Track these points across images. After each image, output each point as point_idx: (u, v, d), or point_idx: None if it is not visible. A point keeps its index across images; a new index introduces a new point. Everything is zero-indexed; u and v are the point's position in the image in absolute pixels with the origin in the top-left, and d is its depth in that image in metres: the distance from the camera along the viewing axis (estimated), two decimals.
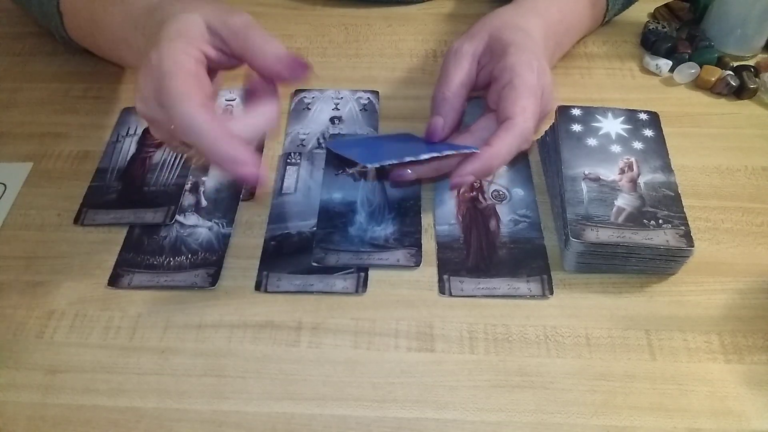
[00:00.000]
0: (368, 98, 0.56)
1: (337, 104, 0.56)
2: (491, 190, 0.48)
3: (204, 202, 0.48)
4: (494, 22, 0.47)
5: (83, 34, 0.52)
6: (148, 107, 0.37)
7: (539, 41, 0.47)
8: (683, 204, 0.43)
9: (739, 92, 0.56)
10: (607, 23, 0.62)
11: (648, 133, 0.47)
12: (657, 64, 0.58)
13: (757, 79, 0.56)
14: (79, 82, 0.58)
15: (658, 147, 0.46)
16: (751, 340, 0.40)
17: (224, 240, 0.45)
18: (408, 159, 0.41)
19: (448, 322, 0.41)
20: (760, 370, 0.39)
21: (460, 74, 0.45)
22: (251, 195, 0.48)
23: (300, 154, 0.51)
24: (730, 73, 0.56)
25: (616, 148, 0.46)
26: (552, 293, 0.42)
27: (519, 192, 0.48)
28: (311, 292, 0.43)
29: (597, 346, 0.40)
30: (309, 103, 0.56)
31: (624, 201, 0.43)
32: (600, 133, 0.47)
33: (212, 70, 0.40)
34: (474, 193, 0.48)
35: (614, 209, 0.42)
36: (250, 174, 0.36)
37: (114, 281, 0.43)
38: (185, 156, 0.48)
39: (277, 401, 0.38)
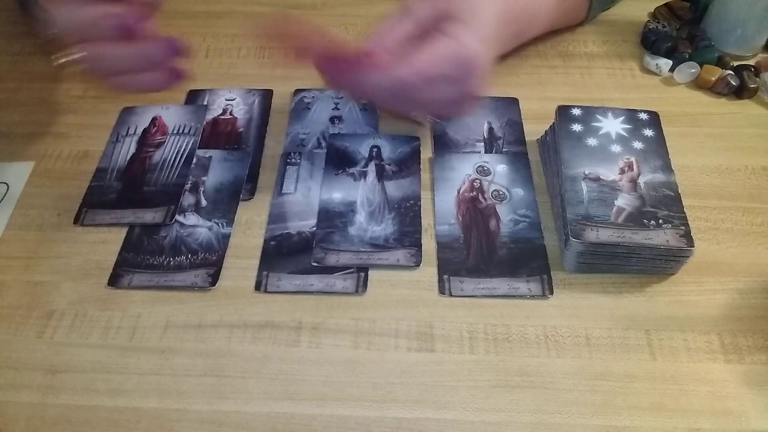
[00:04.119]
0: None
1: (337, 104, 0.55)
2: (491, 190, 0.48)
3: (204, 202, 0.48)
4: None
5: None
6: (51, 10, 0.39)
7: (491, 28, 0.46)
8: (683, 204, 0.43)
9: (740, 92, 0.56)
10: (592, 19, 0.62)
11: (648, 132, 0.47)
12: (657, 64, 0.58)
13: (757, 79, 0.56)
14: (79, 82, 0.58)
15: (658, 147, 0.46)
16: (751, 340, 0.40)
17: (224, 240, 0.45)
18: None
19: (448, 322, 0.41)
20: (760, 370, 0.39)
21: (400, 28, 0.45)
22: (251, 195, 0.48)
23: (300, 153, 0.51)
24: (731, 72, 0.56)
25: (616, 148, 0.46)
26: (552, 293, 0.42)
27: (519, 192, 0.48)
28: (311, 292, 0.43)
29: (597, 346, 0.40)
30: (309, 103, 0.56)
31: (624, 201, 0.43)
32: (600, 132, 0.47)
33: None
34: (474, 193, 0.48)
35: (614, 209, 0.42)
36: None
37: (114, 281, 0.43)
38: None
39: (277, 401, 0.38)
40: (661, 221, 0.42)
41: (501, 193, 0.48)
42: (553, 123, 0.49)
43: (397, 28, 0.45)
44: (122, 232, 0.46)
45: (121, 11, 0.39)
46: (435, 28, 0.44)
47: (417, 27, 0.45)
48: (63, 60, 0.41)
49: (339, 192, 0.48)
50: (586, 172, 0.44)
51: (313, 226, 0.46)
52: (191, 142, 0.52)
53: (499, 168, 0.49)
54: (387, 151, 0.51)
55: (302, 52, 0.43)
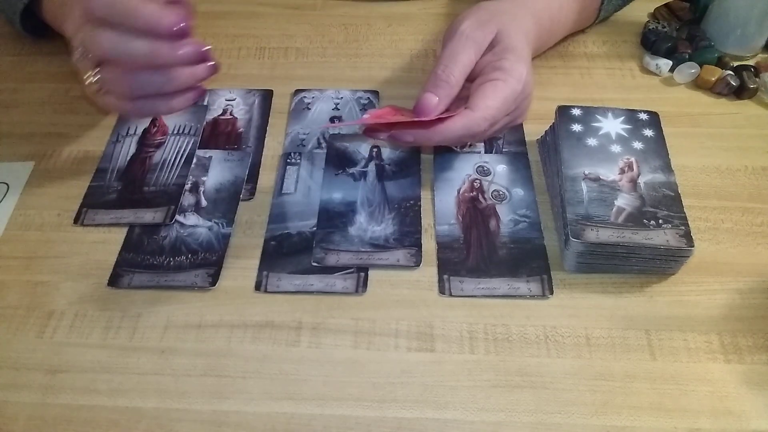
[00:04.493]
0: (368, 98, 0.56)
1: (337, 104, 0.56)
2: (491, 190, 0.48)
3: (204, 202, 0.48)
4: (502, 18, 0.47)
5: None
6: (84, 34, 0.40)
7: (530, 49, 0.48)
8: (683, 204, 0.43)
9: (739, 92, 0.56)
10: (602, 21, 0.62)
11: (648, 133, 0.47)
12: (657, 64, 0.58)
13: (757, 79, 0.56)
14: (79, 82, 0.58)
15: (658, 147, 0.46)
16: (751, 340, 0.40)
17: (224, 240, 0.45)
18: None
19: (448, 322, 0.41)
20: (760, 370, 0.39)
21: (467, 61, 0.45)
22: (251, 195, 0.48)
23: (300, 154, 0.51)
24: (730, 72, 0.56)
25: (616, 148, 0.46)
26: (552, 293, 0.42)
27: (519, 192, 0.48)
28: (311, 292, 0.43)
29: (597, 346, 0.40)
30: (309, 103, 0.56)
31: (624, 201, 0.43)
32: (600, 133, 0.47)
33: None
34: (474, 193, 0.48)
35: (614, 209, 0.42)
36: (175, 20, 0.38)
37: (114, 281, 0.43)
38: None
39: (277, 401, 0.38)
40: (661, 221, 0.42)
41: (501, 193, 0.48)
42: (553, 123, 0.49)
43: (462, 59, 0.45)
44: (122, 232, 0.46)
45: (153, 41, 0.39)
46: (492, 65, 0.45)
47: (477, 54, 0.46)
48: (90, 81, 0.42)
49: (339, 192, 0.48)
50: (586, 172, 0.44)
51: (313, 226, 0.46)
52: (191, 143, 0.52)
53: (499, 168, 0.49)
54: (387, 151, 0.51)
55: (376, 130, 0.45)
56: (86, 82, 0.42)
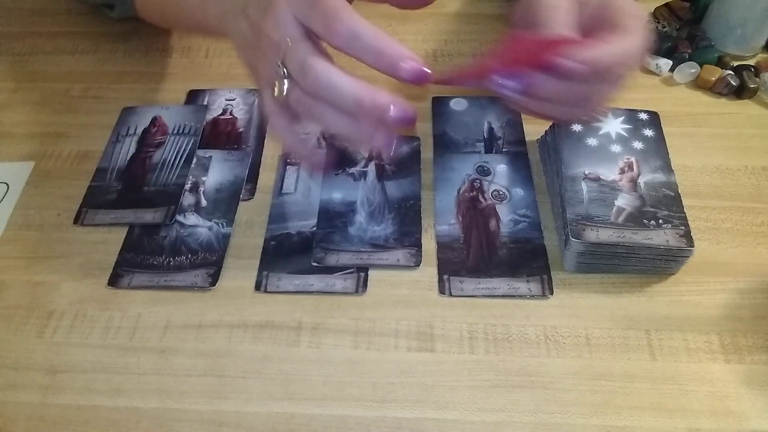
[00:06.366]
0: None
1: None
2: (491, 190, 0.48)
3: (204, 202, 0.48)
4: None
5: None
6: (284, 30, 0.35)
7: None
8: (683, 204, 0.43)
9: (740, 92, 0.56)
10: None
11: (648, 132, 0.47)
12: (657, 64, 0.58)
13: (757, 79, 0.56)
14: (79, 82, 0.58)
15: (658, 147, 0.46)
16: (751, 340, 0.40)
17: (224, 240, 0.45)
18: None
19: (448, 322, 0.41)
20: (760, 370, 0.39)
21: (572, 19, 0.40)
22: (251, 195, 0.48)
23: None
24: (731, 72, 0.56)
25: (616, 148, 0.46)
26: (552, 293, 0.42)
27: (519, 192, 0.48)
28: (311, 292, 0.43)
29: (597, 346, 0.40)
30: None
31: (624, 201, 0.43)
32: (600, 132, 0.47)
33: None
34: (474, 193, 0.48)
35: (614, 209, 0.42)
36: (417, 66, 0.33)
37: (114, 281, 0.43)
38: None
39: (277, 401, 0.38)
40: (661, 221, 0.42)
41: (501, 193, 0.48)
42: (553, 123, 0.49)
43: (569, 15, 0.40)
44: (122, 232, 0.46)
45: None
46: (611, 23, 0.39)
47: (583, 17, 0.40)
48: (277, 93, 0.37)
49: (339, 192, 0.48)
50: (586, 172, 0.44)
51: (313, 226, 0.46)
52: (191, 142, 0.52)
53: (499, 168, 0.49)
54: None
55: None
56: (272, 91, 0.37)
